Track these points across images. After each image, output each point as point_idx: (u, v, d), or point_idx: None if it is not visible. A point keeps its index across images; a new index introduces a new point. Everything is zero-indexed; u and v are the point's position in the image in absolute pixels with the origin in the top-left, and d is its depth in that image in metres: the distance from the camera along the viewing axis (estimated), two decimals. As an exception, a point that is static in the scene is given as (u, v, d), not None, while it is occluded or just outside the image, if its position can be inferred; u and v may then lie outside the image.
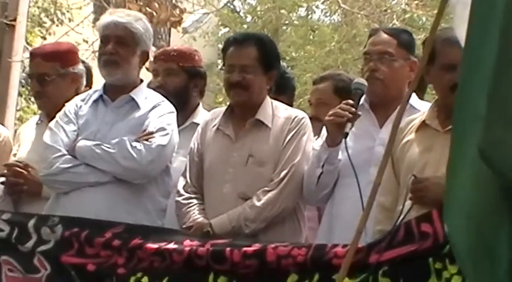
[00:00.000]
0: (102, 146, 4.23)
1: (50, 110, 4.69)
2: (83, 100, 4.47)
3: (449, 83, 3.60)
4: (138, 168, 4.20)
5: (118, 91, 4.42)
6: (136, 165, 4.19)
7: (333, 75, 5.05)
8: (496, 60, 2.05)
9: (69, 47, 5.02)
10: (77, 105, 4.44)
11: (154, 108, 4.36)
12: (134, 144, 4.21)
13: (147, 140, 4.23)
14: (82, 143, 4.28)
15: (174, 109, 4.43)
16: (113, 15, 4.44)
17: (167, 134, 4.27)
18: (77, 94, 4.65)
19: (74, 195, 4.26)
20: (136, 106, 4.38)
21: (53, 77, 4.66)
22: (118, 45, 4.35)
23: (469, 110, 2.17)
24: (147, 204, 4.31)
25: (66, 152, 4.27)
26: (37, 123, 4.78)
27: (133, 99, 4.39)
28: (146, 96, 4.43)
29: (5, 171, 4.63)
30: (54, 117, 4.54)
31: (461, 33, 2.64)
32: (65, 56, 4.76)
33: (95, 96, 4.45)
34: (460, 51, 3.47)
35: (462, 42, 2.60)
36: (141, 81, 4.51)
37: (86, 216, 4.09)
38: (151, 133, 4.26)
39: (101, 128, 4.34)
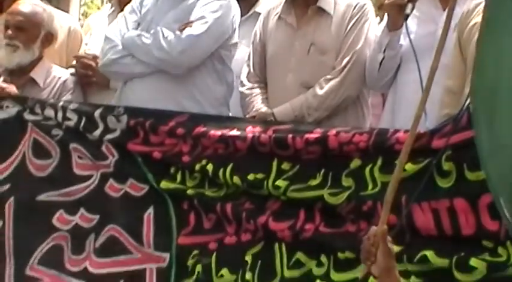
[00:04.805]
0: (142, 37, 4.20)
1: None
2: None
3: None
4: (168, 59, 4.14)
5: None
6: (166, 56, 4.13)
7: None
8: None
9: None
10: None
11: None
12: (166, 34, 4.14)
13: (184, 29, 4.16)
14: (129, 33, 4.27)
15: None
16: None
17: (206, 22, 4.16)
18: None
19: (129, 84, 4.29)
20: None
21: None
22: None
23: None
24: (196, 94, 4.25)
25: (119, 43, 4.26)
26: (109, 14, 4.81)
27: None
28: None
29: (75, 62, 4.71)
30: (125, 6, 4.57)
31: None
32: None
33: None
34: None
35: None
36: None
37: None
38: (191, 22, 4.18)
39: (155, 16, 4.30)
